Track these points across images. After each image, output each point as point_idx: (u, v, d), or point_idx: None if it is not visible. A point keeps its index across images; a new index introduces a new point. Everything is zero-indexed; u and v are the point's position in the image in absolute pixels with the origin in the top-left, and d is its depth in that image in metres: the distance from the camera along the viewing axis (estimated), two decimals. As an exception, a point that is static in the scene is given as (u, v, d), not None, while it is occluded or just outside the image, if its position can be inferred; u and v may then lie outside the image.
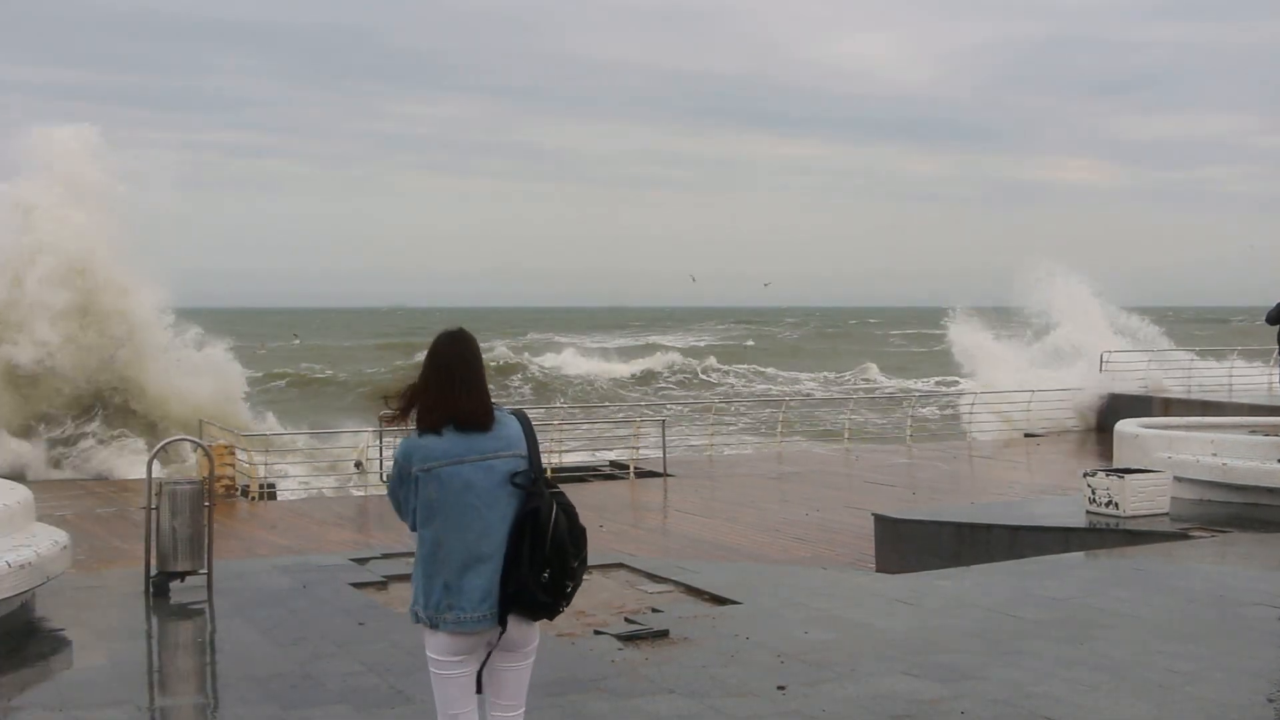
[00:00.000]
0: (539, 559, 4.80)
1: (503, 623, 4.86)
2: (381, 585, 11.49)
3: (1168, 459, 15.46)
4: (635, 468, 24.07)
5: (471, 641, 4.91)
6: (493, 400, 5.03)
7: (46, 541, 9.46)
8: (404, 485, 4.96)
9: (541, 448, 5.25)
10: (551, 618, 4.95)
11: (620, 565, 12.29)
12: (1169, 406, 26.29)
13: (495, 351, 71.29)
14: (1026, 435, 30.84)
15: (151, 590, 10.92)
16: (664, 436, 25.22)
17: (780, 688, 7.89)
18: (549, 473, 5.20)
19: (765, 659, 8.60)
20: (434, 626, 4.93)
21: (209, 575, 11.32)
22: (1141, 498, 14.39)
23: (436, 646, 4.98)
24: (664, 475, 23.33)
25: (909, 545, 15.38)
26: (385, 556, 13.06)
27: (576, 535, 4.90)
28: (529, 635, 4.99)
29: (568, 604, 4.95)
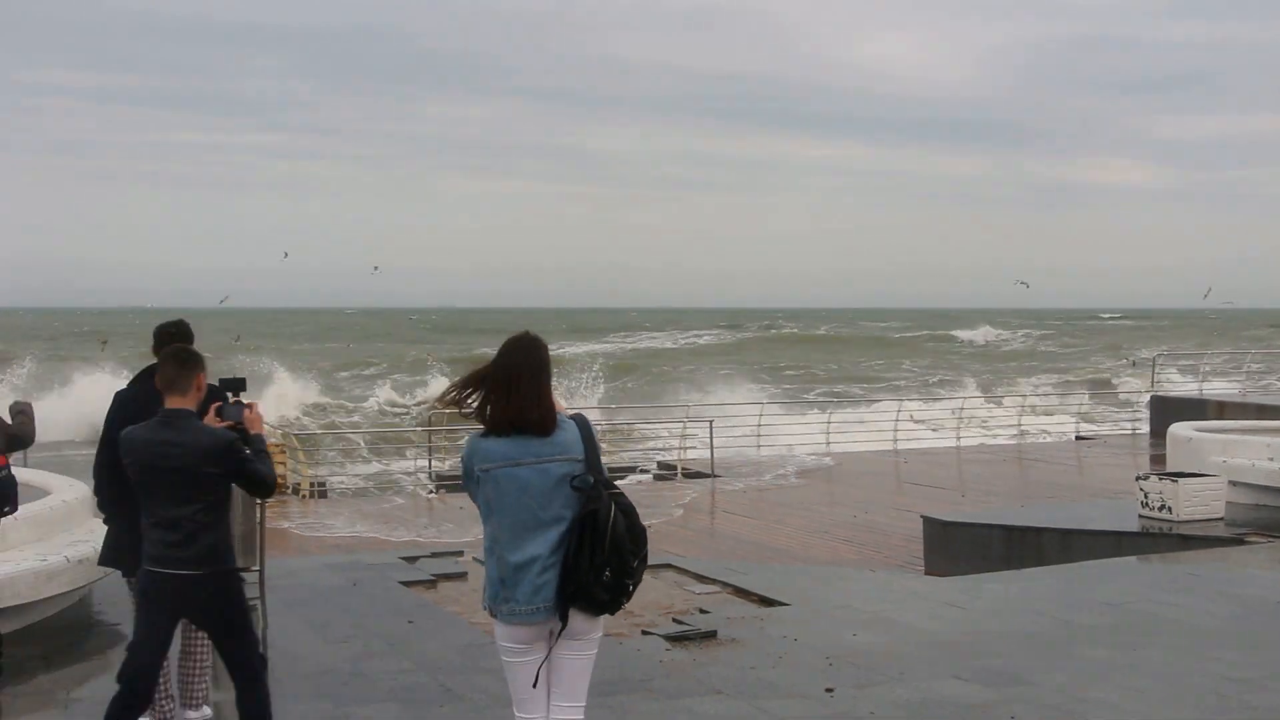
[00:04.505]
0: (599, 560, 4.89)
1: (563, 618, 4.97)
2: (431, 584, 11.56)
3: (1223, 463, 15.31)
4: (683, 468, 24.06)
5: (530, 631, 5.02)
6: (557, 405, 5.09)
7: (97, 540, 9.56)
8: (469, 481, 5.10)
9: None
10: (613, 613, 5.05)
11: (668, 566, 12.30)
12: (1223, 409, 25.95)
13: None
14: (1078, 438, 30.64)
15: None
16: (711, 436, 25.19)
17: (829, 690, 7.89)
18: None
19: (813, 661, 8.60)
20: (493, 616, 5.08)
21: (261, 573, 11.37)
22: (1196, 502, 14.24)
23: (500, 634, 5.11)
24: (712, 476, 23.31)
25: (958, 548, 15.30)
26: (435, 555, 13.14)
27: (637, 534, 4.98)
28: (591, 627, 5.10)
29: (628, 599, 5.05)
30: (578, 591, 4.92)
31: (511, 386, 5.00)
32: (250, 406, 6.30)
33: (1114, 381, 59.56)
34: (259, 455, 6.11)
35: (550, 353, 5.22)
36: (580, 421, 5.12)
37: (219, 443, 5.91)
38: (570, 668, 5.14)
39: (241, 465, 5.96)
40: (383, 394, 54.11)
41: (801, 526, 18.01)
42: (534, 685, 5.12)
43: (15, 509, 8.21)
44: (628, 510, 5.01)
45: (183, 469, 5.84)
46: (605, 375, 62.95)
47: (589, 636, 5.12)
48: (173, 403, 5.99)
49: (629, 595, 5.03)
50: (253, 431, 6.20)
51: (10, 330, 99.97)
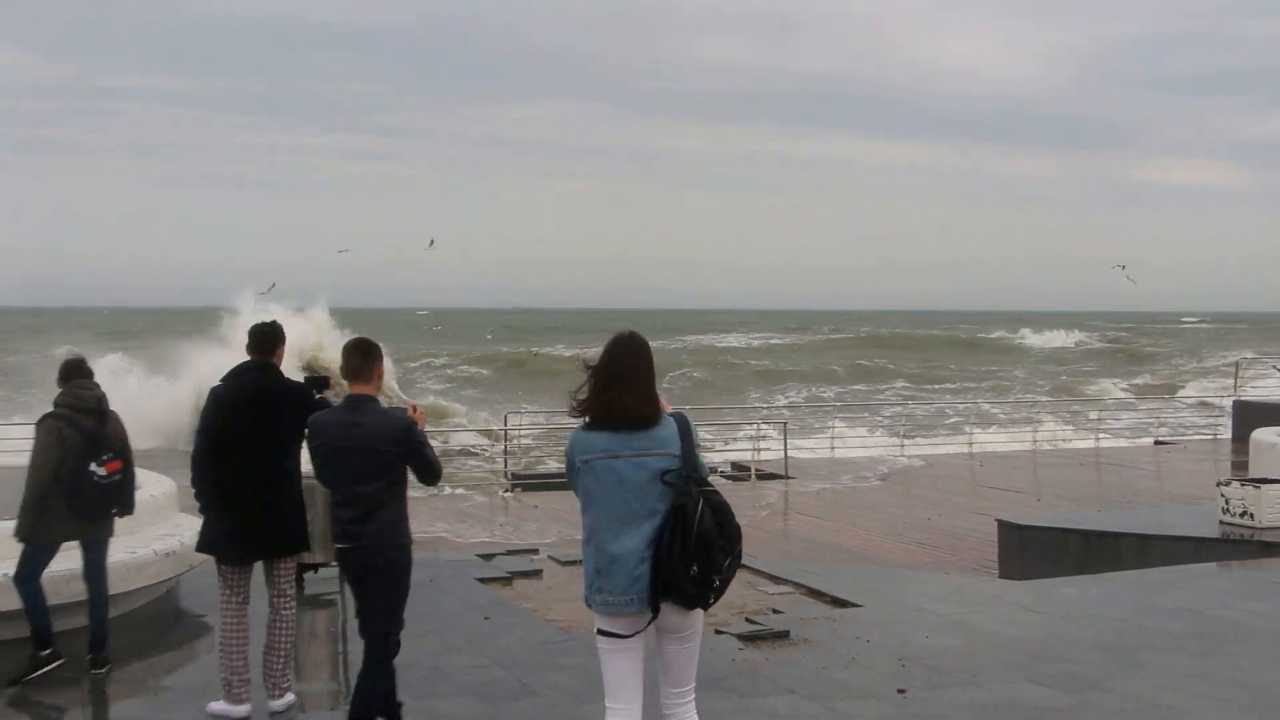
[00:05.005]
0: (687, 554, 4.97)
1: (655, 609, 5.06)
2: (506, 581, 11.66)
3: (1306, 469, 15.09)
4: (756, 469, 24.04)
5: (624, 622, 5.13)
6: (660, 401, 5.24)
7: (190, 531, 9.76)
8: (571, 472, 5.27)
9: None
10: (705, 608, 5.15)
11: (741, 566, 12.29)
12: (1308, 415, 25.49)
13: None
14: (1156, 443, 30.29)
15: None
16: (785, 439, 25.18)
17: (901, 691, 7.90)
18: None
19: (886, 663, 8.61)
20: (589, 605, 5.22)
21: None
22: (1278, 509, 14.06)
23: (598, 623, 5.23)
24: (785, 477, 23.29)
25: (1033, 552, 15.18)
26: (510, 553, 13.25)
27: (728, 532, 5.08)
28: (686, 621, 5.19)
29: (717, 597, 5.11)
30: (668, 585, 5.02)
31: (620, 382, 5.14)
32: (414, 408, 6.84)
33: (1194, 386, 58.79)
34: (427, 445, 6.64)
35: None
36: (680, 419, 5.24)
37: (398, 425, 6.53)
38: (675, 658, 5.25)
39: (417, 448, 6.58)
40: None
41: (875, 529, 17.97)
42: (601, 633, 5.18)
43: (128, 511, 8.54)
44: (719, 508, 5.10)
45: (366, 449, 6.46)
46: (670, 373, 63.05)
47: (684, 630, 5.21)
48: (356, 389, 6.60)
49: (718, 592, 5.09)
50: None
51: (98, 327, 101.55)
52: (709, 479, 5.27)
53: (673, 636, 5.20)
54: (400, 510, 6.69)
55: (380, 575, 6.65)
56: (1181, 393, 53.19)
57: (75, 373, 8.47)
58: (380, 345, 6.86)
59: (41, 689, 8.15)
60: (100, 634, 8.50)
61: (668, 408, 5.29)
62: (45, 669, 8.29)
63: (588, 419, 5.20)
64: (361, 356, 6.66)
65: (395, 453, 6.52)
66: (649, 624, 5.11)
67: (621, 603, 5.07)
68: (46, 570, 8.34)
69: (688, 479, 5.09)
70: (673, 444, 5.13)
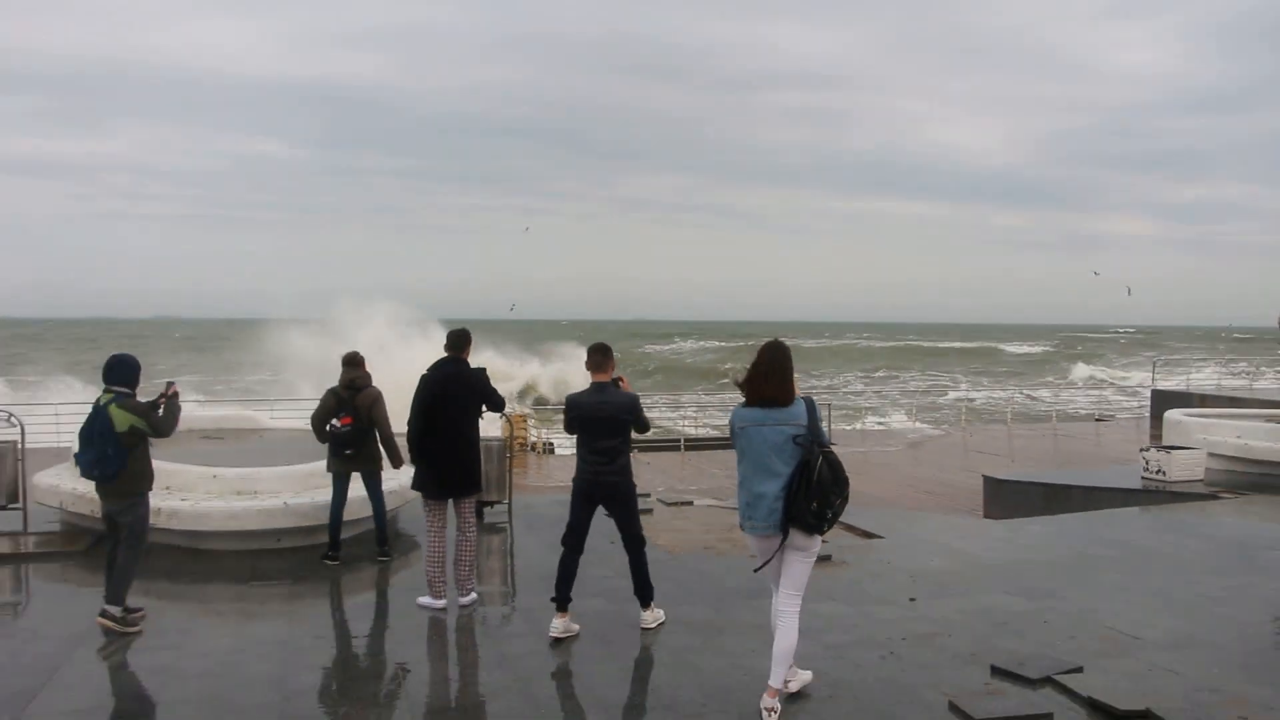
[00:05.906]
0: (809, 495, 5.17)
1: (785, 533, 5.27)
2: (628, 516, 11.67)
3: (1203, 439, 14.76)
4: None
5: (764, 544, 5.37)
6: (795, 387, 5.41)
7: (406, 476, 9.91)
8: (732, 435, 5.46)
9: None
10: (821, 534, 5.31)
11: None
12: (1205, 400, 24.83)
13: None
14: (1096, 419, 29.61)
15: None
16: (830, 414, 24.96)
17: (912, 599, 7.82)
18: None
19: (901, 579, 8.53)
20: (742, 529, 5.43)
21: (509, 504, 11.69)
22: (1183, 468, 13.78)
23: (747, 542, 5.52)
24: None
25: (1009, 499, 14.97)
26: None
27: (840, 481, 5.24)
28: (808, 542, 5.34)
29: (830, 526, 5.29)
30: (795, 517, 5.21)
31: (767, 374, 5.33)
32: (621, 379, 7.04)
33: (1124, 376, 57.28)
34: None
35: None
36: (808, 400, 5.40)
37: (630, 400, 6.93)
38: (794, 567, 5.39)
39: (642, 414, 7.00)
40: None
41: (894, 481, 17.78)
42: (755, 571, 5.46)
43: (356, 450, 9.04)
44: (834, 464, 5.25)
45: (611, 416, 6.83)
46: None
47: (807, 548, 5.36)
48: (598, 378, 6.91)
49: (830, 523, 5.27)
50: None
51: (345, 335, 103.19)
52: (829, 443, 5.40)
53: (797, 553, 5.35)
54: (628, 457, 6.97)
55: (621, 499, 6.90)
56: (1114, 383, 51.86)
57: (348, 362, 9.15)
58: (611, 347, 7.11)
59: (314, 578, 8.37)
60: (381, 535, 9.18)
61: (799, 392, 5.43)
62: (329, 561, 8.98)
63: (745, 399, 5.40)
64: (602, 355, 6.94)
65: (628, 420, 6.85)
66: (781, 544, 5.30)
67: (762, 528, 5.27)
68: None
69: (812, 442, 5.24)
70: (801, 418, 5.29)
